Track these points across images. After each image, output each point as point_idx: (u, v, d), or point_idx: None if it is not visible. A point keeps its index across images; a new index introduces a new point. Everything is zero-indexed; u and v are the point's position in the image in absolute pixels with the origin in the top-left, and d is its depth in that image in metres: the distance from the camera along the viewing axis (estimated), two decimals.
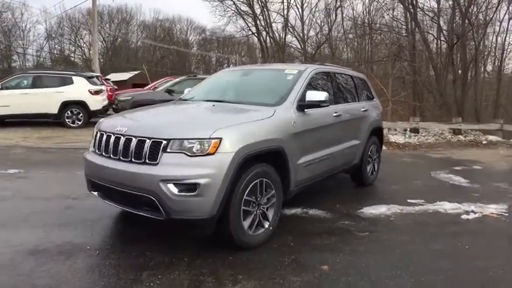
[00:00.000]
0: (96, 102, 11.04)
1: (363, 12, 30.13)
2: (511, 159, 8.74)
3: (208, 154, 2.94)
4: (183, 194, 2.90)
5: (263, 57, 27.57)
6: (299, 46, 30.40)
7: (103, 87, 11.71)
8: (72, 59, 45.89)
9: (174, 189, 2.89)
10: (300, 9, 28.26)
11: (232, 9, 25.79)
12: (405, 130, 11.29)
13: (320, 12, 30.02)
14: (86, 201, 4.64)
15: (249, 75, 4.67)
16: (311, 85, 4.27)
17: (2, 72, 34.33)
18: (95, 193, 3.62)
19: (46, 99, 10.53)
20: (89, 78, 11.29)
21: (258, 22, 25.86)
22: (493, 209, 4.82)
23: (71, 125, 10.93)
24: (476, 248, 3.65)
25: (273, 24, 26.95)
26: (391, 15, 23.79)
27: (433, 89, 20.12)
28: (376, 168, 5.97)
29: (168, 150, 2.97)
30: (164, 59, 50.83)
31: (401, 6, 21.47)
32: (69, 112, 10.89)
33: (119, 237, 3.65)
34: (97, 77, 12.30)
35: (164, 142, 2.98)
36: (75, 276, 2.85)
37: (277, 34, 27.71)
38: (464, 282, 2.99)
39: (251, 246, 3.31)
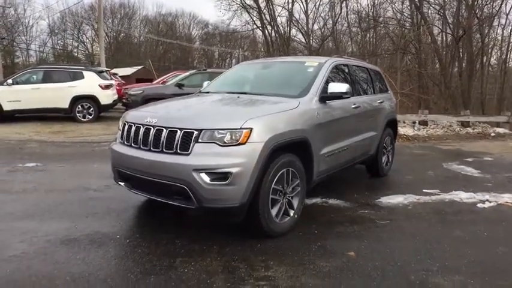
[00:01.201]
0: (106, 97, 11.11)
1: (368, 5, 30.09)
2: None
3: (239, 144, 3.01)
4: (215, 182, 2.97)
5: (268, 51, 27.47)
6: (303, 40, 30.37)
7: (113, 82, 11.77)
8: (75, 54, 45.93)
9: (206, 178, 2.97)
10: (304, 3, 28.16)
11: (237, 3, 25.73)
12: (414, 122, 11.33)
13: (324, 5, 29.98)
14: (108, 192, 4.74)
15: (269, 68, 4.72)
16: (331, 77, 4.33)
17: (5, 68, 34.41)
18: (122, 183, 3.69)
19: (57, 94, 10.61)
20: (99, 72, 11.35)
21: (263, 16, 25.78)
22: (507, 198, 4.89)
23: (82, 119, 11.01)
24: (494, 235, 3.72)
25: (278, 18, 26.86)
26: (396, 9, 23.72)
27: (439, 81, 20.13)
28: (390, 159, 6.04)
29: (200, 140, 3.04)
30: (167, 54, 50.80)
31: None
32: (79, 106, 10.97)
33: (146, 226, 3.72)
34: (106, 71, 12.34)
35: (196, 132, 3.05)
36: (110, 263, 2.93)
37: (281, 28, 27.64)
38: (487, 267, 3.06)
39: (278, 234, 3.39)
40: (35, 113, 10.96)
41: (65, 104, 10.79)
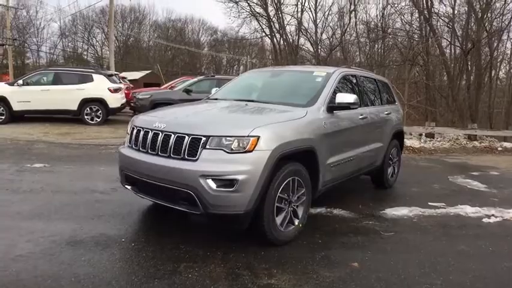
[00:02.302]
0: (115, 100, 11.20)
1: (377, 16, 30.11)
2: None
3: (246, 151, 3.03)
4: (221, 189, 3.00)
5: (276, 59, 27.63)
6: (311, 49, 30.47)
7: (122, 86, 11.88)
8: (85, 57, 46.45)
9: (212, 185, 2.99)
10: (313, 12, 28.30)
11: (246, 11, 25.92)
12: (420, 135, 11.30)
13: (333, 15, 30.08)
14: (114, 195, 4.78)
15: (278, 76, 4.77)
16: (339, 87, 4.35)
17: (16, 69, 34.84)
18: (129, 187, 3.73)
19: (66, 96, 10.72)
20: (108, 76, 11.47)
21: (272, 24, 25.95)
22: None
23: (90, 121, 11.10)
24: (499, 250, 3.70)
25: (287, 27, 27.01)
26: (405, 20, 23.75)
27: (446, 94, 20.09)
28: (396, 171, 6.04)
29: (207, 146, 3.07)
30: (175, 59, 51.17)
31: (416, 10, 21.48)
32: (88, 109, 11.07)
33: (151, 230, 3.75)
34: (115, 75, 12.47)
35: (203, 139, 3.08)
36: (114, 266, 2.95)
37: (290, 36, 27.78)
38: (491, 282, 3.04)
39: (282, 242, 3.40)
40: (44, 114, 11.08)
41: (74, 106, 10.90)
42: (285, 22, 26.86)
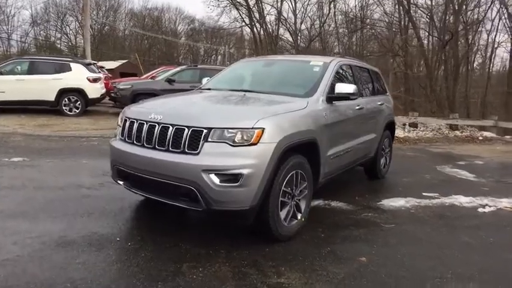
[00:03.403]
0: (94, 90, 10.75)
1: (355, 6, 30.23)
2: (509, 155, 8.91)
3: (251, 144, 2.88)
4: (225, 184, 2.84)
5: (256, 49, 27.38)
6: (290, 39, 30.33)
7: (101, 75, 11.42)
8: (58, 46, 44.72)
9: (216, 180, 2.83)
10: (293, 2, 28.14)
11: (227, 0, 25.49)
12: (404, 124, 11.40)
13: (312, 5, 30.00)
14: (102, 190, 4.55)
15: (272, 66, 4.60)
16: (336, 77, 4.24)
17: None
18: (121, 182, 3.52)
19: (43, 86, 10.19)
20: (87, 65, 10.99)
21: (252, 14, 25.65)
22: (505, 202, 4.90)
23: (68, 112, 10.63)
24: (500, 241, 3.70)
25: (267, 17, 26.78)
26: (384, 11, 23.90)
27: (425, 84, 20.41)
28: (388, 161, 6.01)
29: (209, 139, 2.90)
30: (152, 49, 50.02)
31: (394, 1, 21.62)
32: (66, 99, 10.58)
33: (146, 227, 3.55)
34: (93, 64, 11.98)
35: (205, 131, 2.90)
36: (112, 268, 2.77)
37: (270, 26, 27.57)
38: (498, 274, 3.02)
39: (286, 238, 3.28)
40: (20, 105, 10.53)
41: (51, 97, 10.39)
42: (265, 12, 26.65)
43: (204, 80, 4.90)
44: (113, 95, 11.33)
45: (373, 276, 2.84)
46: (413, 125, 11.38)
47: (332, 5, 27.93)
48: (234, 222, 3.30)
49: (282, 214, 3.22)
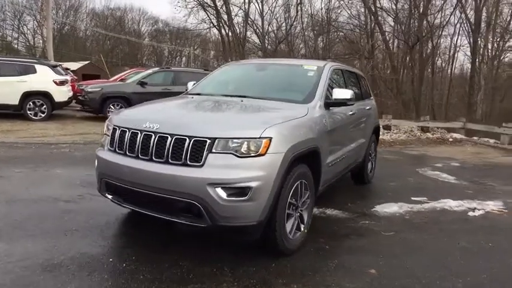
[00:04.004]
0: (61, 93, 10.13)
1: (321, 9, 30.64)
2: (481, 156, 9.21)
3: (259, 155, 2.70)
4: (232, 198, 2.64)
5: (224, 51, 27.11)
6: (258, 41, 30.27)
7: (68, 77, 10.80)
8: (15, 46, 42.37)
9: (222, 194, 2.63)
10: (260, 4, 28.06)
11: (194, 0, 25.06)
12: None
13: (279, 8, 30.08)
14: (83, 204, 4.22)
15: (265, 70, 4.42)
16: (331, 82, 4.13)
17: None
18: (109, 196, 3.24)
19: (5, 89, 9.45)
20: (53, 67, 10.35)
21: (220, 15, 25.36)
22: (492, 205, 4.99)
23: (33, 117, 9.96)
24: (499, 245, 3.72)
25: (234, 18, 26.56)
26: (350, 14, 24.32)
27: (391, 86, 20.96)
28: (373, 166, 6.00)
29: (213, 150, 2.69)
30: (115, 50, 48.53)
31: (361, 4, 22.06)
32: (31, 103, 9.90)
33: (138, 244, 3.27)
34: (59, 65, 11.32)
35: (209, 141, 2.69)
36: None
37: (237, 28, 27.37)
38: (507, 281, 3.01)
39: (291, 251, 3.12)
40: None
41: (15, 100, 9.68)
42: (233, 14, 26.43)
43: (190, 84, 4.65)
44: (80, 98, 10.76)
45: None
46: (387, 128, 11.57)
47: (299, 8, 28.13)
48: (239, 238, 3.09)
49: (288, 227, 3.06)
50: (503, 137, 10.97)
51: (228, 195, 2.64)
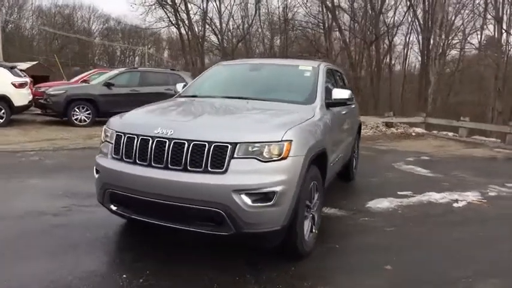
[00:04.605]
0: (21, 97, 9.43)
1: (278, 7, 30.88)
2: (445, 149, 9.72)
3: (282, 158, 2.66)
4: (257, 204, 2.59)
5: (183, 49, 26.65)
6: (216, 40, 30.07)
7: (27, 80, 10.08)
8: None
9: (247, 200, 2.57)
10: (218, 3, 27.87)
11: None
12: None
13: (237, 6, 30.03)
14: (72, 216, 3.98)
15: (261, 70, 4.35)
16: (327, 82, 4.17)
17: None
18: (114, 208, 3.06)
19: None
20: (10, 68, 9.63)
21: (178, 14, 24.88)
22: (471, 196, 5.27)
23: None
24: (492, 234, 3.95)
25: (193, 17, 26.19)
26: (308, 12, 24.77)
27: (351, 84, 21.58)
28: (357, 162, 6.13)
29: (235, 155, 2.62)
30: (64, 49, 46.13)
31: (318, 3, 22.52)
32: None
33: (148, 256, 3.10)
34: (15, 67, 10.55)
35: (230, 146, 2.61)
36: None
37: (196, 27, 27.02)
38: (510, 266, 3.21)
39: (307, 253, 3.12)
40: None
41: None
42: (191, 12, 26.05)
43: (179, 86, 4.48)
44: (42, 101, 10.10)
45: (413, 284, 2.82)
46: None
47: (257, 6, 28.23)
48: (260, 244, 3.02)
49: (304, 229, 3.05)
50: (461, 130, 11.64)
51: (253, 201, 2.58)
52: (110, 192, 3.00)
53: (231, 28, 30.66)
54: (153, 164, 2.76)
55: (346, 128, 4.81)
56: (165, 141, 2.73)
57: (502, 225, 4.24)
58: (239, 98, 3.67)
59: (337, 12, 21.20)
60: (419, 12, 22.42)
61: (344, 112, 4.55)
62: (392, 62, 27.10)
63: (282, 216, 2.69)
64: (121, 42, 52.94)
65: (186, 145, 2.67)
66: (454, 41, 24.49)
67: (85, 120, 9.99)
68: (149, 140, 2.79)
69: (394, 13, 20.92)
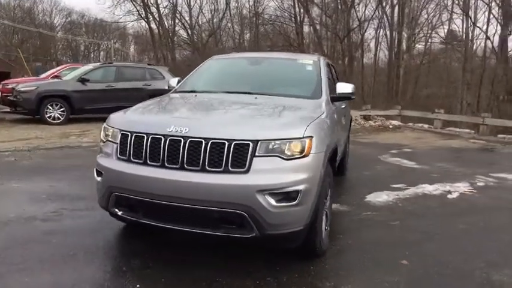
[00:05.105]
0: None
1: (248, 1, 30.69)
2: (424, 141, 9.96)
3: (304, 156, 2.55)
4: (282, 204, 2.48)
5: (153, 43, 25.98)
6: (185, 34, 29.53)
7: None
8: None
9: (271, 200, 2.45)
10: None
11: None
12: None
13: (207, 0, 29.61)
14: (63, 221, 3.74)
15: (261, 64, 4.21)
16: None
17: None
18: (120, 213, 2.85)
19: None
20: None
21: (147, 7, 24.20)
22: (462, 187, 5.39)
23: None
24: (492, 224, 4.04)
25: (163, 11, 25.54)
26: (280, 6, 24.73)
27: None
28: (348, 156, 6.13)
29: (257, 154, 2.48)
30: (25, 44, 43.99)
31: None
32: None
33: (157, 263, 2.91)
34: None
35: (251, 144, 2.48)
36: None
37: (166, 21, 26.40)
38: None
39: (323, 252, 3.04)
40: None
41: None
42: (161, 6, 25.41)
43: (173, 81, 4.25)
44: (11, 99, 9.50)
45: (429, 278, 2.82)
46: None
47: (227, 0, 27.93)
48: (282, 246, 2.89)
49: (322, 227, 2.97)
50: (436, 121, 11.98)
51: (277, 201, 2.47)
52: (116, 195, 2.80)
53: (201, 22, 30.22)
54: (166, 164, 2.59)
55: (344, 122, 4.78)
56: (180, 140, 2.56)
57: (499, 215, 4.34)
58: (245, 93, 3.53)
59: (309, 7, 21.29)
60: (387, 8, 22.93)
61: (343, 106, 4.51)
62: (367, 56, 27.66)
63: (305, 216, 2.59)
64: (85, 36, 51.23)
65: (204, 144, 2.51)
66: (421, 35, 25.22)
67: (59, 118, 9.49)
68: (161, 138, 2.61)
69: (365, 8, 21.25)
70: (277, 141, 2.53)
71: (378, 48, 25.09)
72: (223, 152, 2.48)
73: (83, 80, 9.61)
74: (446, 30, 25.32)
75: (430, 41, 24.70)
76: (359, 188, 5.19)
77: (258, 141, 2.49)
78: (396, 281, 2.74)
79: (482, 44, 20.85)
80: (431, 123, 12.43)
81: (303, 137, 2.57)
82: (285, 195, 2.48)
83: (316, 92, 3.64)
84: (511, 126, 11.02)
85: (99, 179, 2.92)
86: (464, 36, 20.24)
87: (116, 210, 2.86)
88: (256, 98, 3.34)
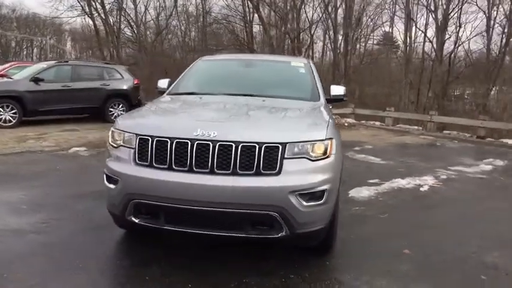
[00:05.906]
0: None
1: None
2: (380, 138, 10.53)
3: (327, 156, 2.69)
4: (311, 203, 2.60)
5: (98, 40, 24.82)
6: (130, 32, 28.51)
7: None
8: None
9: (302, 200, 2.56)
10: None
11: None
12: None
13: None
14: (55, 231, 3.60)
15: (255, 66, 4.27)
16: None
17: None
18: (137, 220, 2.79)
19: None
20: None
21: (92, 2, 23.06)
22: (429, 180, 5.84)
23: None
24: (466, 212, 4.50)
25: (107, 6, 24.47)
26: (229, 5, 24.69)
27: None
28: None
29: (286, 156, 2.58)
30: None
31: None
32: None
33: (177, 268, 2.87)
34: None
35: (281, 147, 2.57)
36: None
37: (111, 18, 25.33)
38: (506, 238, 3.70)
39: (332, 247, 3.20)
40: None
41: None
42: (106, 1, 24.32)
43: (164, 83, 4.18)
44: None
45: (431, 265, 3.09)
46: None
47: None
48: (304, 244, 2.99)
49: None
50: (388, 119, 12.73)
51: (307, 201, 2.58)
52: (135, 203, 2.73)
53: (150, 20, 29.32)
54: (195, 169, 2.59)
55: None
56: (209, 144, 2.57)
57: (472, 205, 4.81)
58: (249, 95, 3.59)
59: (260, 6, 21.55)
60: (331, 9, 23.82)
61: (331, 107, 4.70)
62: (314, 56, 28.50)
63: (328, 214, 2.75)
64: (16, 32, 47.78)
65: (234, 147, 2.55)
66: (362, 37, 26.48)
67: (10, 121, 8.80)
68: (187, 143, 2.60)
69: (314, 9, 21.93)
70: (303, 144, 2.64)
71: (325, 49, 26.09)
72: (254, 155, 2.54)
73: (36, 80, 8.99)
74: (383, 33, 26.91)
75: (372, 42, 26.05)
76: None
77: (286, 143, 2.59)
78: (406, 269, 2.99)
79: (421, 46, 22.51)
80: (383, 120, 13.17)
81: (325, 139, 2.71)
82: (313, 195, 2.60)
83: (313, 94, 3.80)
84: (456, 123, 12.12)
85: (112, 186, 2.83)
86: (407, 39, 21.60)
87: (133, 218, 2.80)
88: (264, 100, 3.43)
